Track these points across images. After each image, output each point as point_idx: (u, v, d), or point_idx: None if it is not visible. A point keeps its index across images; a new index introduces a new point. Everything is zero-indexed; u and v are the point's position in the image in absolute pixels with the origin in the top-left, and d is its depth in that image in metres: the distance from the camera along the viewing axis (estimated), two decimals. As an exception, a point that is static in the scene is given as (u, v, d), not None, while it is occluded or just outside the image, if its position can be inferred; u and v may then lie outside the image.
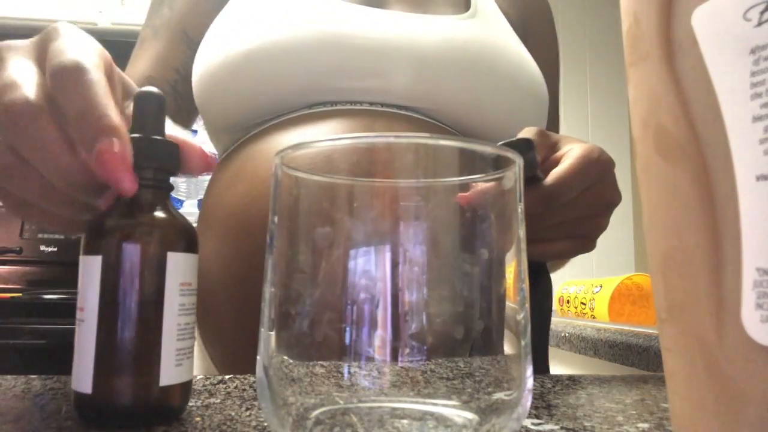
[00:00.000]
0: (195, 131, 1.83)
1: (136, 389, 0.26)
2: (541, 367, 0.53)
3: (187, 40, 0.64)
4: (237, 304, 0.50)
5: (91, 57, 0.29)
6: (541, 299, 0.50)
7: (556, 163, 0.44)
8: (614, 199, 0.46)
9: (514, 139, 0.41)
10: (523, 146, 0.41)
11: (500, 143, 0.41)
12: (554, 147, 0.46)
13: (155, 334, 0.26)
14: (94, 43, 0.31)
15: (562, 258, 0.48)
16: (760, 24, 0.16)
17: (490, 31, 0.60)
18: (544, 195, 0.41)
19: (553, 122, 0.73)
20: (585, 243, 0.47)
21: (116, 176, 0.26)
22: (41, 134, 0.27)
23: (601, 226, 0.47)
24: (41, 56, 0.30)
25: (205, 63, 0.56)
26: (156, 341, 0.26)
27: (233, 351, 0.52)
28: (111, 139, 0.27)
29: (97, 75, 0.28)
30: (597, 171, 0.43)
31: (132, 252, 0.26)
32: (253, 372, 0.39)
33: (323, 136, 0.51)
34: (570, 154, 0.43)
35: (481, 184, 0.22)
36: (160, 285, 0.26)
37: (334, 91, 0.54)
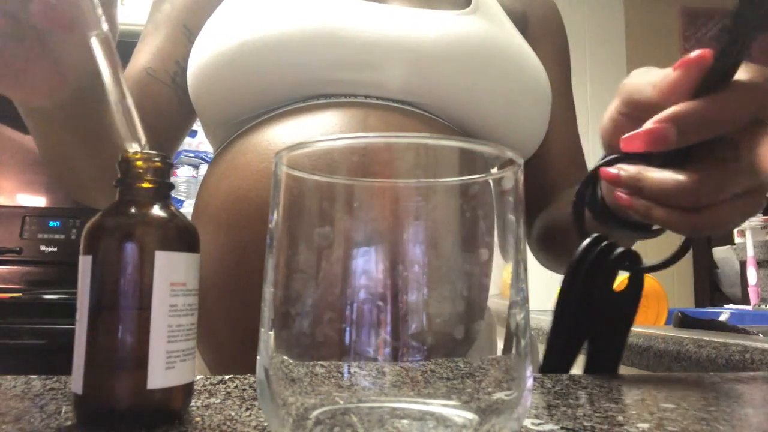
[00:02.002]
0: (195, 132, 1.82)
1: (122, 391, 0.25)
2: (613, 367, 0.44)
3: (188, 33, 0.64)
4: (228, 301, 0.49)
5: None
6: (634, 301, 0.45)
7: None
8: None
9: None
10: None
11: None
12: None
13: (142, 336, 0.25)
14: None
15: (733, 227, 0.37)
16: (760, 24, 0.16)
17: (491, 26, 0.59)
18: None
19: (568, 108, 0.73)
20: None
21: None
22: None
23: None
24: None
25: (199, 56, 0.56)
26: (142, 343, 0.25)
27: (226, 351, 0.51)
28: None
29: None
30: None
31: (116, 251, 0.26)
32: (245, 372, 0.39)
33: (317, 129, 0.51)
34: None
35: None
36: (146, 285, 0.26)
37: (329, 83, 0.54)
